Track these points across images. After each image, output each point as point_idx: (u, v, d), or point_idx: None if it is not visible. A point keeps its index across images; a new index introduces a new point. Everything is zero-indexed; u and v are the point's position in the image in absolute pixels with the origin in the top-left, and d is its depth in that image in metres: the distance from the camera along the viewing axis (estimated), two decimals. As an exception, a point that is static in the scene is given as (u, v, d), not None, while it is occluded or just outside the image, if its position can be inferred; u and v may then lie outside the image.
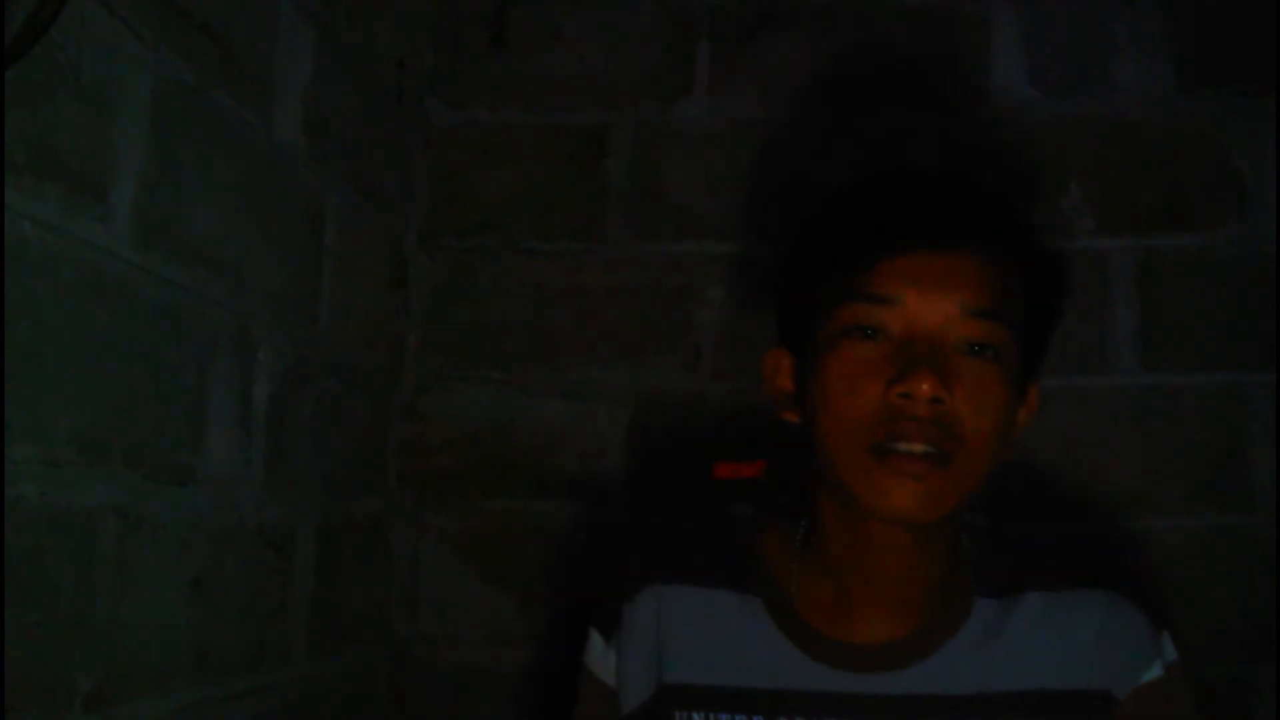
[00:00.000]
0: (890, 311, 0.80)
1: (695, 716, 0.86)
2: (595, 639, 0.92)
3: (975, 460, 0.79)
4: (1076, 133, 1.34)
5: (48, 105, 0.72)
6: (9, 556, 0.68)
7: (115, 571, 0.79)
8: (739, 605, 0.88)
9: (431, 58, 1.41)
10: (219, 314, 0.93)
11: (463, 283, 1.37)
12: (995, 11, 1.37)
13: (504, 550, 1.32)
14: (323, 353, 1.13)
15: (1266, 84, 1.30)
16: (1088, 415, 1.29)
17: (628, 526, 1.31)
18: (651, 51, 1.40)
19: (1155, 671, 0.85)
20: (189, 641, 0.88)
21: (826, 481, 0.84)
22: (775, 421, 0.87)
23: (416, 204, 1.37)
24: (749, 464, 0.95)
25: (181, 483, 0.88)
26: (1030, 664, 0.84)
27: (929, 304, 0.79)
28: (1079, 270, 1.31)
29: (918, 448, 0.77)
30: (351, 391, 1.21)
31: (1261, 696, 1.22)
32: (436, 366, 1.36)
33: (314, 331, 1.11)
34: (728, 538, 0.94)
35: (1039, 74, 1.35)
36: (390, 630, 1.30)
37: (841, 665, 0.85)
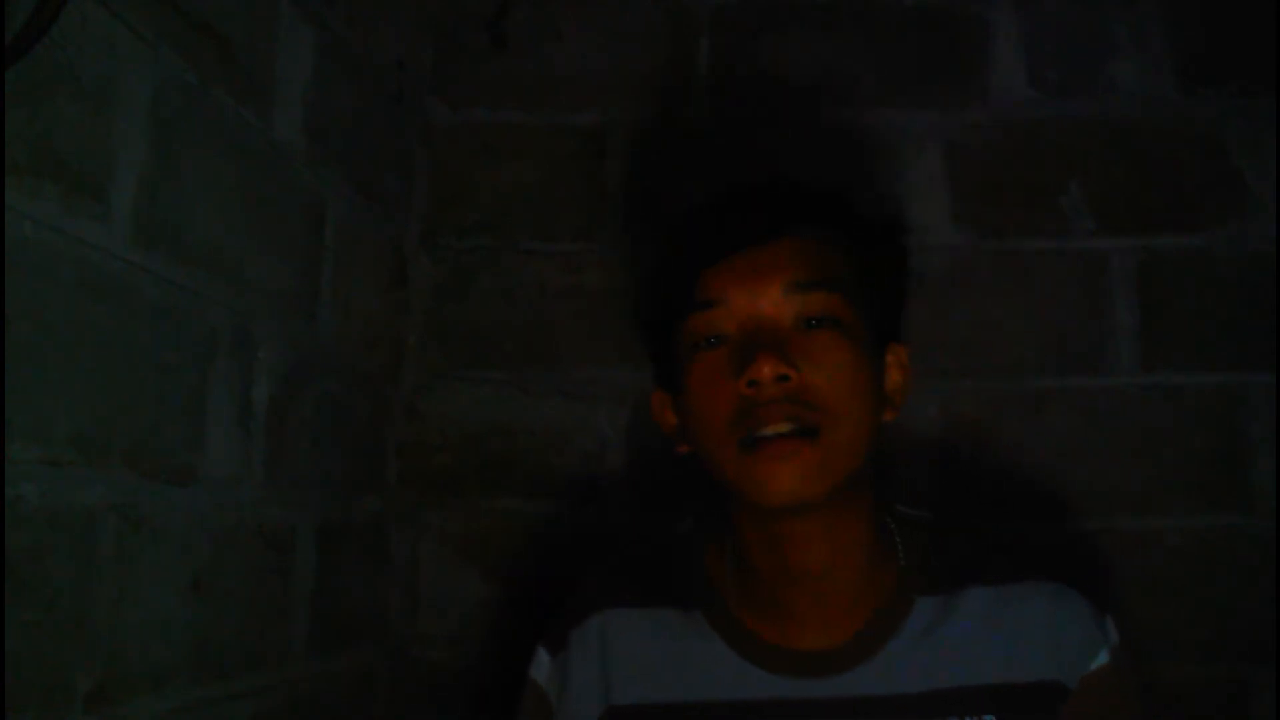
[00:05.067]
0: (722, 313, 0.83)
1: None
2: (542, 654, 0.95)
3: (844, 425, 0.81)
4: (1076, 133, 1.34)
5: (48, 105, 0.72)
6: (9, 556, 0.68)
7: (115, 571, 0.79)
8: (682, 621, 0.91)
9: (431, 58, 1.41)
10: (219, 314, 0.93)
11: (463, 283, 1.37)
12: (995, 11, 1.37)
13: (504, 550, 1.32)
14: (323, 353, 1.13)
15: (1266, 84, 1.30)
16: (1087, 415, 1.29)
17: (618, 535, 1.31)
18: (651, 51, 1.40)
19: (1102, 658, 0.86)
20: (189, 641, 0.88)
21: (725, 492, 0.86)
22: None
23: (416, 204, 1.38)
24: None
25: (181, 483, 0.88)
26: (978, 659, 0.85)
27: (753, 294, 0.83)
28: (1079, 270, 1.31)
29: (782, 428, 0.79)
30: (351, 391, 1.21)
31: (1261, 696, 1.22)
32: (436, 366, 1.36)
33: (314, 331, 1.11)
34: (671, 556, 0.96)
35: (1039, 74, 1.35)
36: (390, 630, 1.30)
37: (787, 671, 0.86)
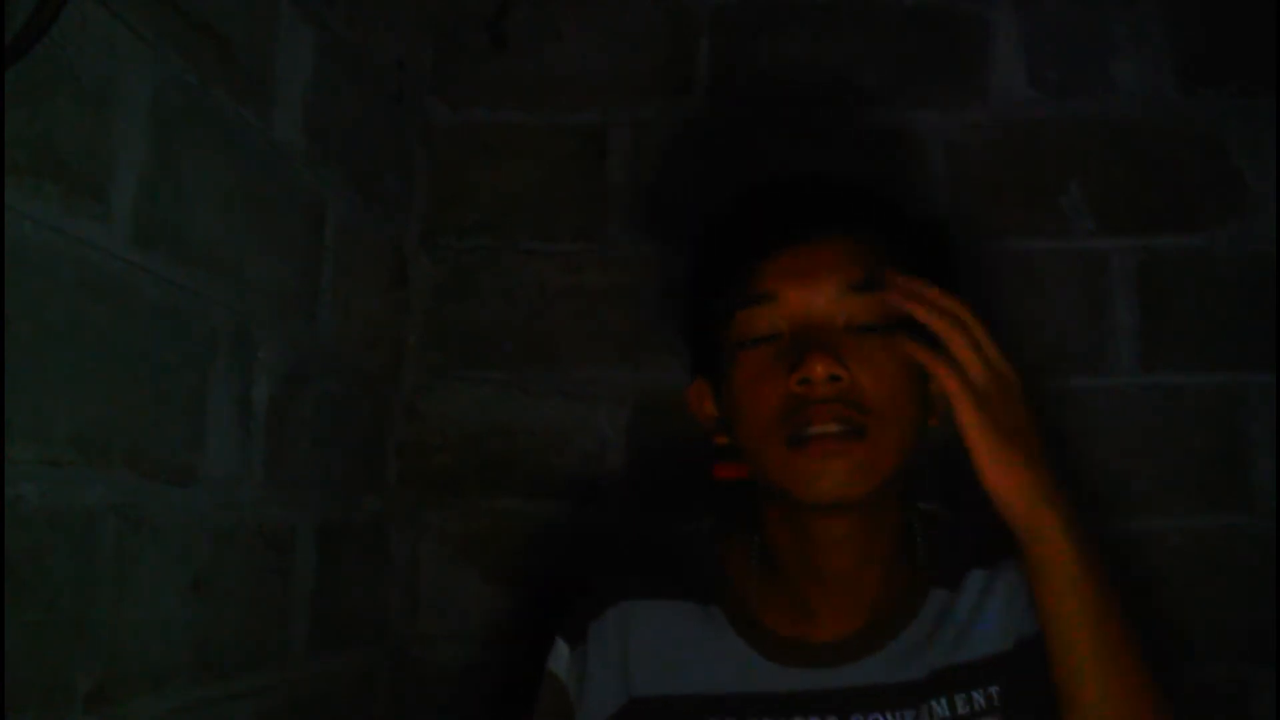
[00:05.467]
0: (775, 309, 0.83)
1: None
2: (560, 646, 0.95)
3: (891, 427, 0.81)
4: (1076, 133, 1.34)
5: (48, 105, 0.72)
6: (9, 556, 0.68)
7: (115, 571, 0.79)
8: (701, 615, 0.91)
9: (431, 58, 1.41)
10: (219, 314, 0.93)
11: (463, 283, 1.37)
12: (995, 11, 1.37)
13: (504, 550, 1.32)
14: (323, 353, 1.13)
15: (1266, 84, 1.30)
16: (1087, 415, 1.29)
17: (618, 535, 1.31)
18: (651, 51, 1.40)
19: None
20: (189, 641, 0.88)
21: (763, 488, 0.87)
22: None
23: (416, 204, 1.38)
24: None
25: (181, 483, 0.88)
26: (978, 635, 0.87)
27: (808, 292, 0.83)
28: (1079, 270, 1.31)
29: (831, 428, 0.79)
30: (351, 391, 1.21)
31: (1261, 696, 1.22)
32: (436, 366, 1.36)
33: (314, 331, 1.11)
34: (689, 551, 0.96)
35: (1039, 74, 1.35)
36: (390, 630, 1.30)
37: (802, 664, 0.88)
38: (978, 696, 0.85)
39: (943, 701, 0.85)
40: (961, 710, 0.85)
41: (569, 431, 1.33)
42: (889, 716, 0.85)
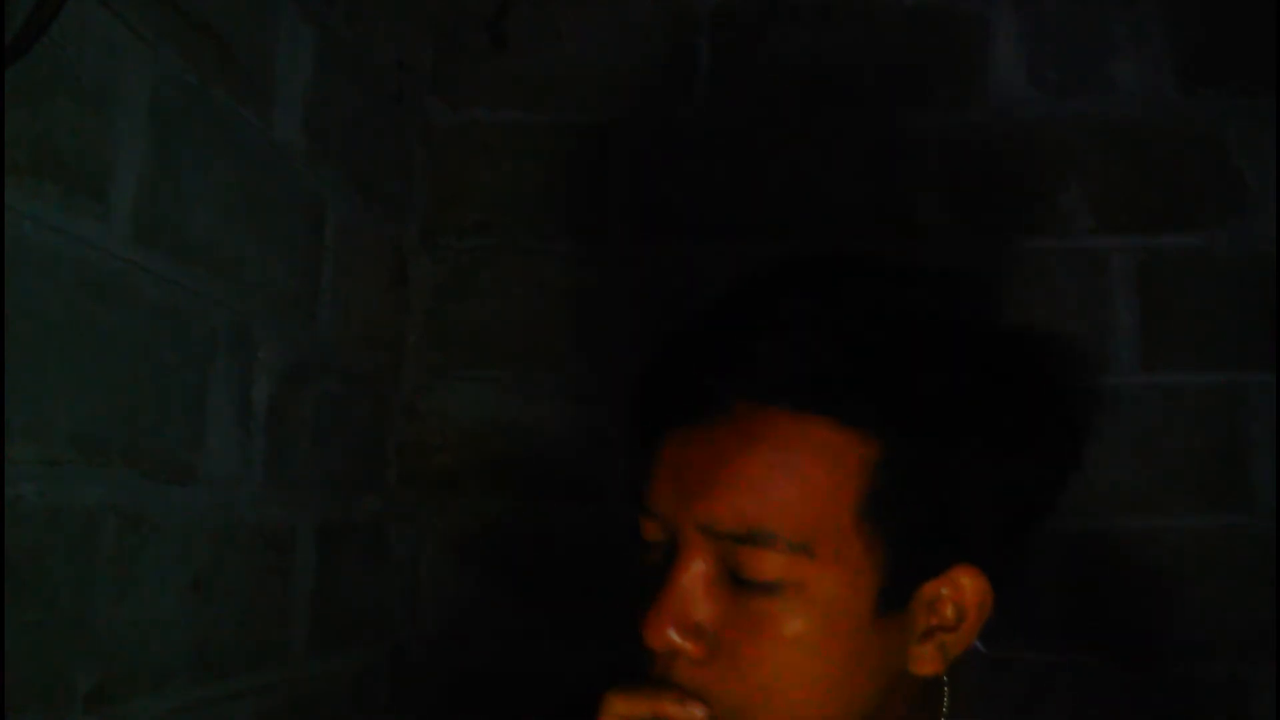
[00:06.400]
0: (655, 524, 0.59)
1: None
2: None
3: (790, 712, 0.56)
4: (1076, 132, 1.34)
5: (48, 105, 0.72)
6: (9, 556, 0.68)
7: (115, 571, 0.79)
8: None
9: (431, 58, 1.41)
10: (219, 313, 0.93)
11: (463, 282, 1.37)
12: (995, 11, 1.37)
13: (504, 550, 1.32)
14: (323, 353, 1.13)
15: (1266, 84, 1.30)
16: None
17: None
18: (651, 51, 1.40)
19: None
20: (189, 641, 0.88)
21: None
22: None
23: (416, 204, 1.37)
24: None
25: (181, 482, 0.88)
26: None
27: (673, 513, 0.58)
28: (1079, 270, 1.31)
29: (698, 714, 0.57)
30: (351, 391, 1.21)
31: (1261, 696, 1.22)
32: (436, 366, 1.36)
33: (314, 331, 1.11)
34: None
35: (1038, 73, 1.35)
36: (390, 630, 1.30)
37: None
38: None
39: None
40: None
41: (569, 431, 1.33)
42: None
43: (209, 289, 0.91)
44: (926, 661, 0.59)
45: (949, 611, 0.59)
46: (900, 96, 1.36)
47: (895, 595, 0.57)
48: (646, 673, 0.60)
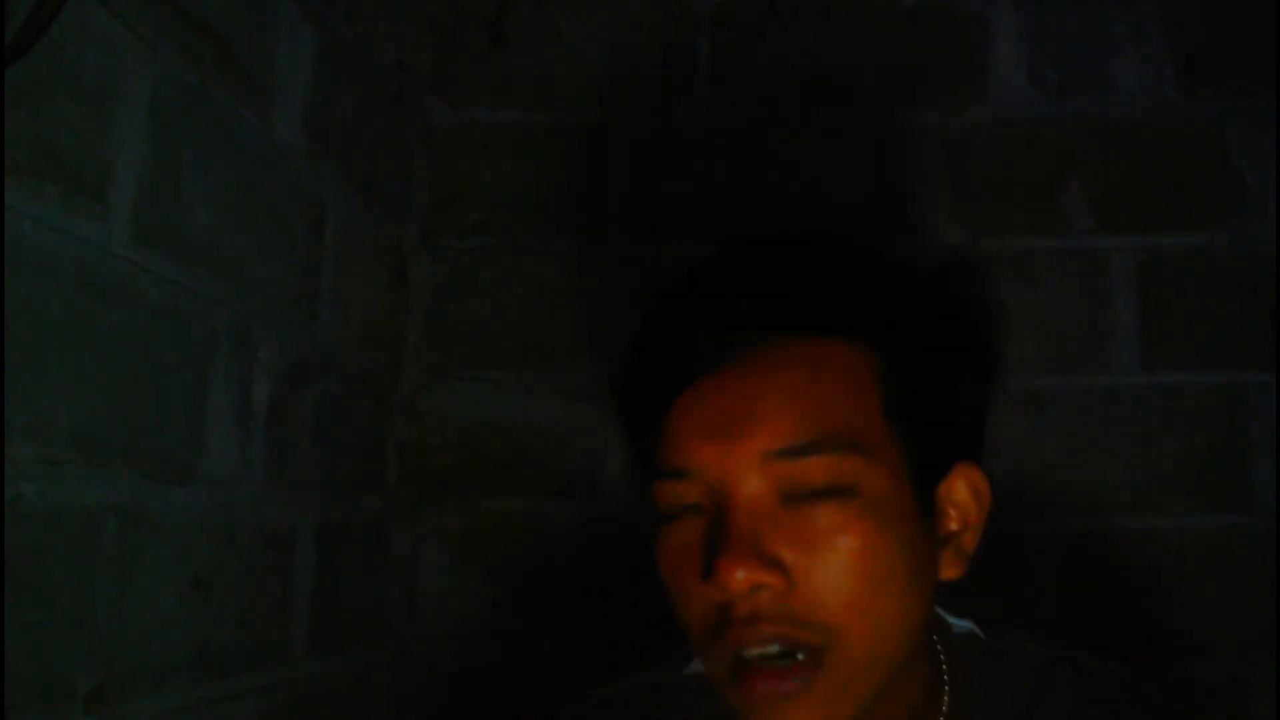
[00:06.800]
0: (688, 483, 0.61)
1: None
2: None
3: (859, 639, 0.58)
4: (1076, 132, 1.34)
5: (48, 105, 0.72)
6: (9, 556, 0.68)
7: (115, 571, 0.79)
8: None
9: (431, 58, 1.41)
10: (219, 313, 0.93)
11: (463, 282, 1.37)
12: (995, 11, 1.37)
13: (504, 550, 1.32)
14: (323, 352, 1.13)
15: (1266, 84, 1.30)
16: (1087, 415, 1.29)
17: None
18: (651, 51, 1.40)
19: None
20: (189, 641, 0.88)
21: None
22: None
23: (416, 204, 1.37)
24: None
25: (181, 482, 0.88)
26: None
27: (719, 457, 0.59)
28: (1079, 270, 1.31)
29: (770, 648, 0.58)
30: (351, 391, 1.21)
31: (1261, 696, 1.22)
32: (436, 366, 1.36)
33: (314, 331, 1.11)
34: (678, 701, 0.74)
35: (1038, 73, 1.35)
36: (390, 630, 1.30)
37: None
38: None
39: None
40: None
41: (569, 431, 1.33)
42: None
43: (209, 289, 0.91)
44: (950, 566, 0.64)
45: (966, 503, 0.65)
46: (900, 96, 1.36)
47: (923, 498, 0.62)
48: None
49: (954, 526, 0.65)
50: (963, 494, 0.65)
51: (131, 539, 0.81)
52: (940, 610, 0.72)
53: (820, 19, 1.38)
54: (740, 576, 0.57)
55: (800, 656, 0.58)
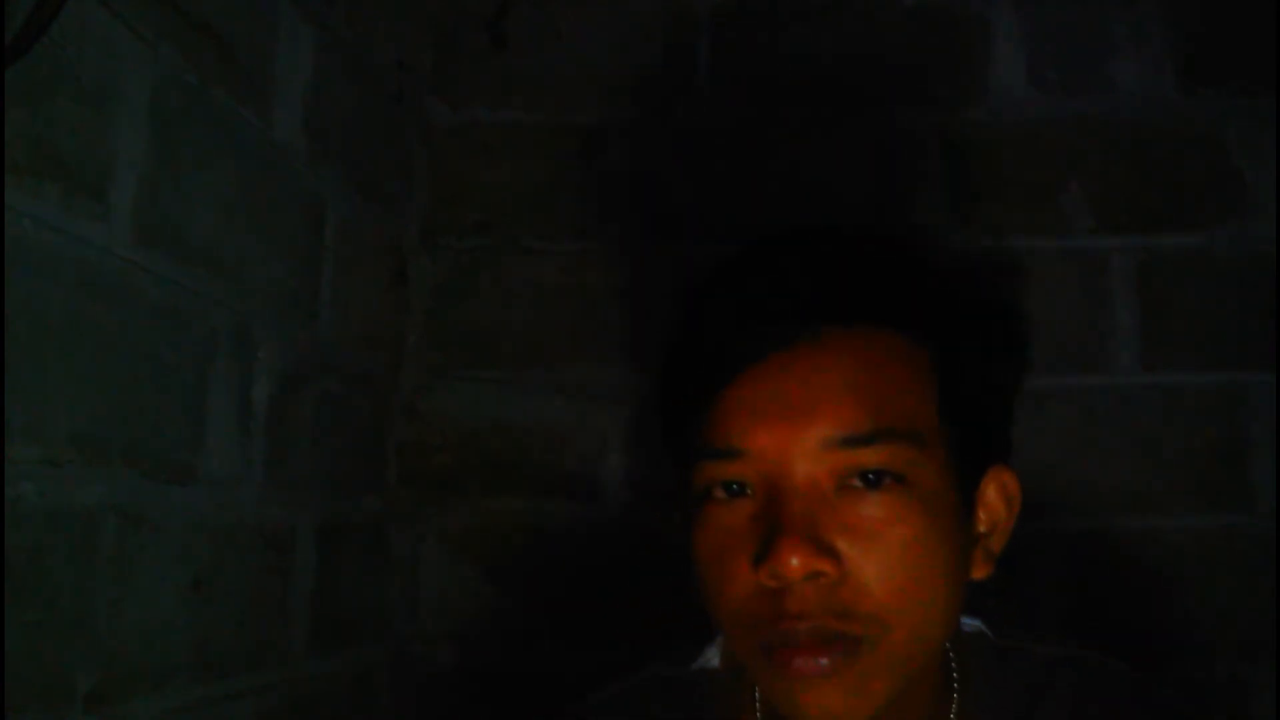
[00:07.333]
0: (742, 464, 0.61)
1: None
2: None
3: (902, 629, 0.59)
4: (1076, 132, 1.34)
5: (48, 105, 0.72)
6: (9, 556, 0.68)
7: (115, 571, 0.79)
8: None
9: (431, 58, 1.41)
10: (219, 313, 0.93)
11: (463, 282, 1.37)
12: (995, 11, 1.37)
13: (504, 550, 1.32)
14: (323, 353, 1.13)
15: (1266, 84, 1.30)
16: (1087, 415, 1.29)
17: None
18: (651, 50, 1.40)
19: None
20: (189, 641, 0.88)
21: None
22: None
23: (416, 204, 1.37)
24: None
25: (181, 482, 0.88)
26: None
27: (778, 441, 0.59)
28: (1079, 270, 1.31)
29: (816, 635, 0.58)
30: (351, 391, 1.21)
31: (1261, 696, 1.22)
32: (436, 366, 1.36)
33: (314, 331, 1.11)
34: (687, 698, 0.74)
35: (1039, 73, 1.35)
36: (390, 630, 1.30)
37: None
38: None
39: None
40: None
41: (569, 431, 1.33)
42: None
43: (209, 289, 0.91)
44: (980, 565, 0.65)
45: (996, 505, 0.66)
46: (900, 96, 1.36)
47: (964, 497, 0.63)
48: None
49: (982, 528, 0.65)
50: (993, 496, 0.66)
51: (131, 539, 0.81)
52: None
53: (820, 19, 1.38)
54: (796, 564, 0.57)
55: (842, 644, 0.59)
